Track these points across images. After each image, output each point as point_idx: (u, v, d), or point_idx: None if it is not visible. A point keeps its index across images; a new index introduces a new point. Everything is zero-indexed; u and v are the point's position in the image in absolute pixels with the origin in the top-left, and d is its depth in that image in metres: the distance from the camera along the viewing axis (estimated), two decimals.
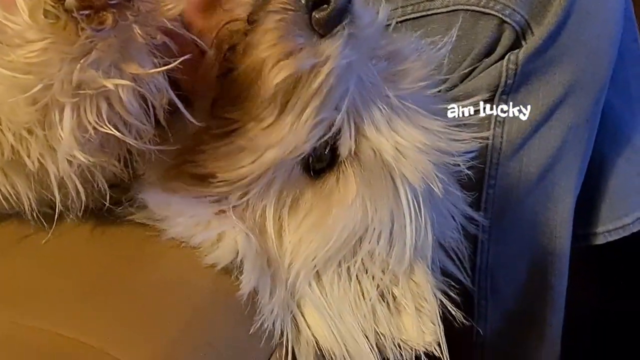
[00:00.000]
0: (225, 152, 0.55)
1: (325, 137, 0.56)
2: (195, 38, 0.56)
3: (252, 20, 0.54)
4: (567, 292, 0.93)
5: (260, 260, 0.56)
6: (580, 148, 0.84)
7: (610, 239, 0.98)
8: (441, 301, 0.60)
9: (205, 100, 0.56)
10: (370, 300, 0.59)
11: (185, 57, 0.52)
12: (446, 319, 0.61)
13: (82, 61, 0.50)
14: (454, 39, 0.68)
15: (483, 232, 0.84)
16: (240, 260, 0.56)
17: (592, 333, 1.20)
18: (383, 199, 0.58)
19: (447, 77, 0.68)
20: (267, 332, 0.56)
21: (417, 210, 0.59)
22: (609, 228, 0.98)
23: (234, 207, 0.57)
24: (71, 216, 0.57)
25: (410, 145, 0.58)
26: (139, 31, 0.50)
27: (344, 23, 0.53)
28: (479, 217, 0.67)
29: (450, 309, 0.60)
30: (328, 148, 0.57)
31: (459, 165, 0.62)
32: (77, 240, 0.60)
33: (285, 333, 0.56)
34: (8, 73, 0.49)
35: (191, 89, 0.56)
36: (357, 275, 0.59)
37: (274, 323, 0.56)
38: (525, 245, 0.89)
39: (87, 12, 0.48)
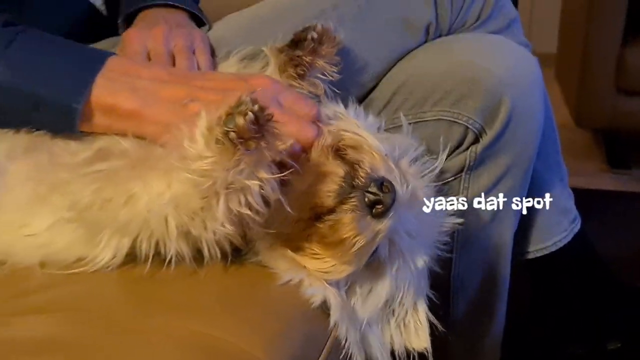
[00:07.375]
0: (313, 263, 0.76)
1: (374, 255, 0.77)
2: (296, 166, 0.73)
3: (333, 211, 0.73)
4: (508, 292, 1.12)
5: (346, 312, 0.76)
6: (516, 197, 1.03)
7: (539, 254, 1.25)
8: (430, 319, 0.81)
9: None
10: (390, 327, 0.82)
11: (285, 173, 0.69)
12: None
13: (234, 169, 0.66)
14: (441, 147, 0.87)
15: (455, 253, 1.05)
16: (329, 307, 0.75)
17: (527, 322, 1.36)
18: (404, 274, 0.79)
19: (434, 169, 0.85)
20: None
21: (425, 274, 0.81)
22: (537, 247, 1.24)
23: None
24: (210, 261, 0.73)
25: (415, 242, 0.79)
26: (267, 153, 0.67)
27: (390, 214, 0.73)
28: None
29: (433, 320, 0.82)
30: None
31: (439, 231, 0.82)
32: (214, 272, 0.74)
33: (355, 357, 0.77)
34: (191, 176, 0.67)
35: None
36: (387, 316, 0.81)
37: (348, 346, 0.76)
38: (483, 259, 1.10)
39: (241, 140, 0.65)
